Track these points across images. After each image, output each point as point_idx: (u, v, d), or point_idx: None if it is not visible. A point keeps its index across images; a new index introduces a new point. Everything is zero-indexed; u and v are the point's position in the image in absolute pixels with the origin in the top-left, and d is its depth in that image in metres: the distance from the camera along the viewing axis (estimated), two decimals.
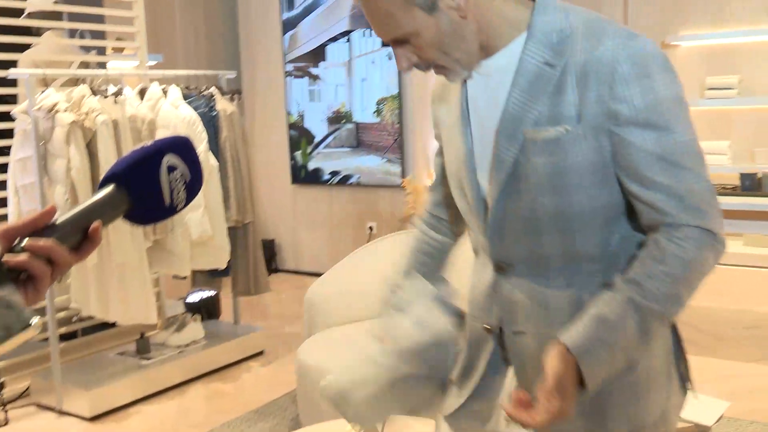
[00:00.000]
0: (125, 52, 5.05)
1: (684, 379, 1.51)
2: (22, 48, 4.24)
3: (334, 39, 6.08)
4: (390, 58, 5.77)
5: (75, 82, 4.06)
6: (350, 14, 5.92)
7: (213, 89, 4.35)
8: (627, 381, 1.39)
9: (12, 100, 4.20)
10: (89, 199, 0.89)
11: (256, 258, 4.46)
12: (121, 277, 3.72)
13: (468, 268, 1.63)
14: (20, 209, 3.76)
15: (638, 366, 1.40)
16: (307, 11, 6.22)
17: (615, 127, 1.28)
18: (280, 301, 5.78)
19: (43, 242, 0.82)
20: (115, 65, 5.01)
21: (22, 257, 0.80)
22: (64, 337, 4.17)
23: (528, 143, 1.33)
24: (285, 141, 6.54)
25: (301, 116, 6.39)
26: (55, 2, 4.27)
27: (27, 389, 3.94)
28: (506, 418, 1.51)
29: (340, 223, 6.33)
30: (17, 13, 4.15)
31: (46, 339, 3.80)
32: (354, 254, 3.47)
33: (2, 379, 3.85)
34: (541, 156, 1.32)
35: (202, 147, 4.00)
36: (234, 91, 4.54)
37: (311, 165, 6.38)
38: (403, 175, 5.82)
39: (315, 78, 6.26)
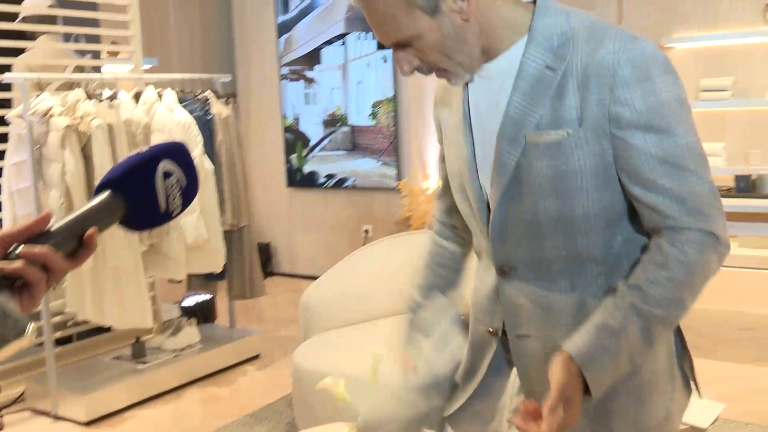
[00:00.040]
0: (120, 56, 5.05)
1: (687, 380, 1.52)
2: (17, 52, 4.24)
3: (329, 42, 6.09)
4: (385, 61, 5.78)
5: (70, 86, 4.05)
6: (345, 17, 5.92)
7: (208, 93, 4.35)
8: (631, 384, 1.40)
9: (6, 104, 4.20)
10: (85, 205, 0.88)
11: (252, 261, 4.45)
12: (116, 281, 3.71)
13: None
14: (15, 214, 3.75)
15: (642, 369, 1.40)
16: (303, 14, 6.22)
17: (617, 130, 1.28)
18: (276, 305, 5.78)
19: (38, 249, 0.82)
20: (110, 69, 5.01)
21: (17, 264, 0.80)
22: (59, 342, 4.16)
23: (530, 147, 1.33)
24: (280, 144, 6.54)
25: (297, 119, 6.39)
26: (50, 6, 4.27)
27: (22, 394, 3.93)
28: (508, 419, 1.51)
29: (335, 227, 6.33)
30: (12, 17, 4.14)
31: (41, 344, 3.79)
32: (350, 257, 3.47)
33: None
34: (542, 159, 1.32)
35: (197, 151, 3.99)
36: (229, 95, 4.54)
37: (307, 168, 6.38)
38: (399, 177, 5.82)
39: (310, 81, 6.26)
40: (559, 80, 1.31)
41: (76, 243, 0.86)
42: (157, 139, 3.92)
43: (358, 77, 5.98)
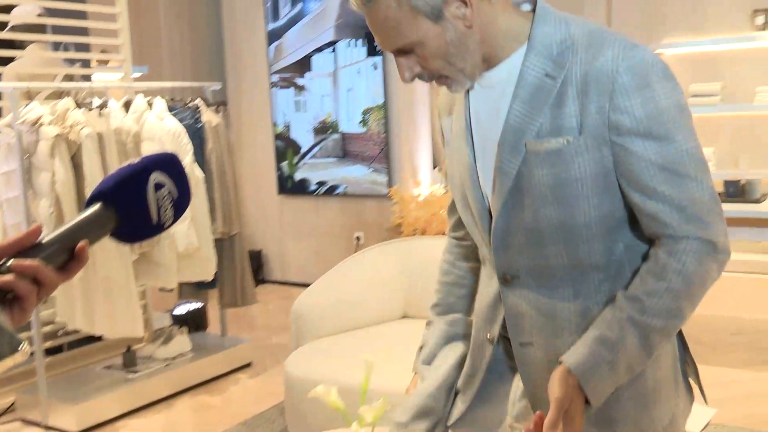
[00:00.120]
0: (110, 65, 5.04)
1: (690, 385, 1.53)
2: (6, 61, 4.23)
3: (319, 49, 6.09)
4: (375, 68, 5.79)
5: (59, 95, 4.04)
6: (335, 25, 5.93)
7: (198, 101, 4.35)
8: (635, 391, 1.41)
9: None
10: (76, 217, 0.88)
11: (243, 269, 4.45)
12: (107, 290, 3.70)
13: None
14: (4, 223, 3.74)
15: (646, 376, 1.41)
16: (292, 22, 6.22)
17: (616, 137, 1.29)
18: (268, 313, 5.77)
19: (28, 262, 0.81)
20: (100, 78, 5.00)
21: (8, 278, 0.80)
22: (49, 352, 4.14)
23: (530, 155, 1.33)
24: (271, 152, 6.53)
25: (287, 127, 6.39)
26: (39, 15, 4.26)
27: (12, 404, 3.91)
28: (510, 425, 1.52)
29: (327, 234, 6.33)
30: (0, 26, 4.14)
31: (32, 353, 3.77)
32: (341, 264, 3.47)
33: None
34: (543, 167, 1.33)
35: (187, 159, 3.99)
36: (219, 103, 4.54)
37: (298, 175, 6.38)
38: (390, 184, 5.82)
39: (301, 88, 6.26)
40: (558, 88, 1.31)
41: (67, 255, 0.86)
42: (147, 148, 3.91)
43: (349, 84, 5.99)
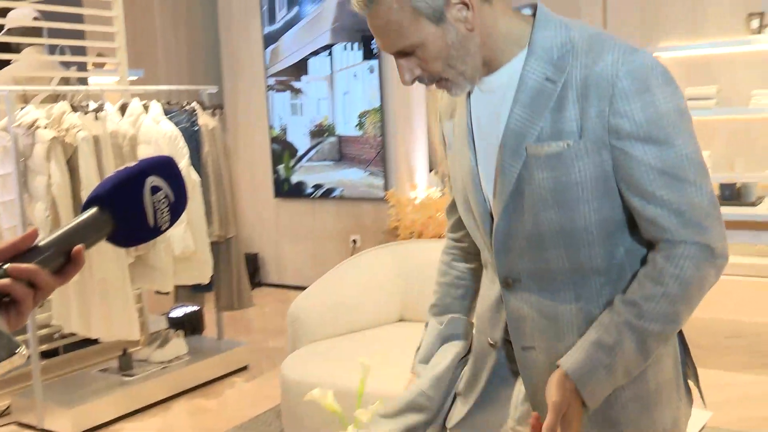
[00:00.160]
0: (106, 68, 5.04)
1: (689, 388, 1.53)
2: (2, 64, 4.22)
3: (315, 53, 6.09)
4: (371, 72, 5.79)
5: (55, 98, 4.04)
6: (331, 28, 5.93)
7: (194, 104, 4.35)
8: (638, 393, 1.41)
9: None
10: (72, 220, 0.88)
11: (239, 272, 4.45)
12: (102, 293, 3.69)
13: None
14: (0, 226, 3.73)
15: (648, 378, 1.41)
16: (289, 25, 6.22)
17: (616, 141, 1.29)
18: (264, 316, 5.76)
19: (25, 266, 0.81)
20: (96, 81, 5.00)
21: (4, 281, 0.80)
22: (45, 355, 4.14)
23: (531, 159, 1.34)
24: (267, 155, 6.53)
25: (284, 130, 6.39)
26: (35, 18, 4.25)
27: (8, 408, 3.90)
28: (512, 428, 1.53)
29: (323, 237, 6.32)
30: None
31: (28, 357, 3.76)
32: (338, 267, 3.47)
33: None
34: (543, 171, 1.33)
35: (183, 162, 3.98)
36: (216, 106, 4.54)
37: (294, 178, 6.38)
38: (386, 187, 5.83)
39: (297, 92, 6.26)
40: (559, 92, 1.31)
41: (63, 259, 0.86)
42: (143, 151, 3.91)
43: (345, 88, 5.99)
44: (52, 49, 4.61)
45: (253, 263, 6.57)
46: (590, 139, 1.30)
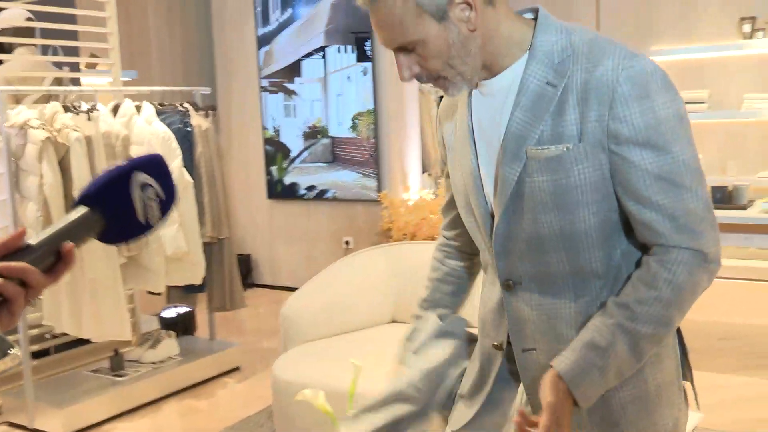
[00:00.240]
0: (99, 68, 5.03)
1: (684, 390, 1.54)
2: None
3: (309, 55, 6.10)
4: (365, 74, 5.79)
5: (47, 98, 4.03)
6: (325, 30, 5.94)
7: (188, 105, 4.35)
8: (637, 395, 1.42)
9: None
10: (62, 219, 0.88)
11: (232, 273, 4.44)
12: (94, 293, 3.69)
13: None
14: None
15: (648, 379, 1.42)
16: (282, 27, 6.23)
17: (615, 146, 1.30)
18: (258, 317, 5.76)
19: (15, 264, 0.81)
20: (89, 81, 4.99)
21: None
22: (36, 355, 4.12)
23: (531, 161, 1.35)
24: (261, 156, 6.53)
25: (277, 131, 6.39)
26: (28, 19, 4.25)
27: None
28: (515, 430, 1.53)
29: (316, 238, 6.33)
30: None
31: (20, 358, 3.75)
32: (330, 268, 3.47)
33: None
34: (543, 174, 1.34)
35: (176, 163, 3.98)
36: (209, 107, 4.54)
37: (287, 180, 6.38)
38: (379, 189, 5.83)
39: (290, 93, 6.27)
40: (559, 96, 1.32)
41: (53, 258, 0.86)
42: (136, 152, 3.91)
43: (338, 89, 5.99)
44: (44, 50, 4.61)
45: (245, 264, 6.57)
46: (590, 142, 1.31)
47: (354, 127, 5.94)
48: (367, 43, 5.68)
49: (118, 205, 0.91)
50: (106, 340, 3.97)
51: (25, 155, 3.58)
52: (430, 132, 5.99)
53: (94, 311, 3.69)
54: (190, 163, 4.19)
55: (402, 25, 1.31)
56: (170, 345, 4.26)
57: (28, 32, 4.31)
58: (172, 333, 4.35)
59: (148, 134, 3.94)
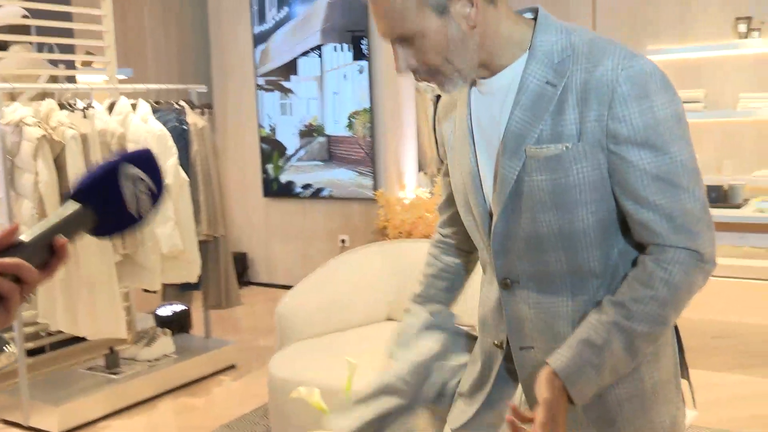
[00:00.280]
0: (94, 66, 5.02)
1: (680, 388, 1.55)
2: None
3: (305, 53, 6.09)
4: (361, 72, 5.79)
5: (43, 96, 4.02)
6: (322, 28, 5.93)
7: (183, 103, 4.34)
8: (634, 393, 1.43)
9: None
10: (54, 215, 0.88)
11: (228, 271, 4.44)
12: (89, 290, 3.69)
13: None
14: None
15: (644, 377, 1.43)
16: (279, 25, 6.22)
17: (614, 146, 1.31)
18: (253, 314, 5.76)
19: (9, 260, 0.81)
20: (85, 79, 4.98)
21: None
22: (31, 352, 4.12)
23: (530, 160, 1.35)
24: (257, 154, 6.53)
25: (273, 130, 6.38)
26: (23, 16, 4.24)
27: None
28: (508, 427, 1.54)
29: (312, 236, 6.32)
30: None
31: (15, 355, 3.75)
32: (325, 266, 3.47)
33: None
34: (542, 173, 1.35)
35: (172, 161, 3.98)
36: (205, 105, 4.53)
37: (283, 178, 6.38)
38: (375, 188, 5.83)
39: (287, 92, 6.26)
40: (559, 96, 1.33)
41: (47, 253, 0.86)
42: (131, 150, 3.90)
43: (335, 88, 5.99)
44: (40, 48, 4.60)
45: (241, 262, 6.56)
46: (589, 142, 1.31)
47: (350, 125, 5.94)
48: (364, 42, 5.68)
49: (110, 198, 0.92)
50: (102, 338, 3.97)
51: (21, 153, 3.58)
52: (426, 131, 5.99)
53: (89, 309, 3.69)
54: (185, 161, 4.19)
55: (402, 16, 1.31)
56: (166, 343, 4.26)
57: (23, 30, 4.30)
58: (168, 331, 4.35)
59: (144, 132, 3.94)
